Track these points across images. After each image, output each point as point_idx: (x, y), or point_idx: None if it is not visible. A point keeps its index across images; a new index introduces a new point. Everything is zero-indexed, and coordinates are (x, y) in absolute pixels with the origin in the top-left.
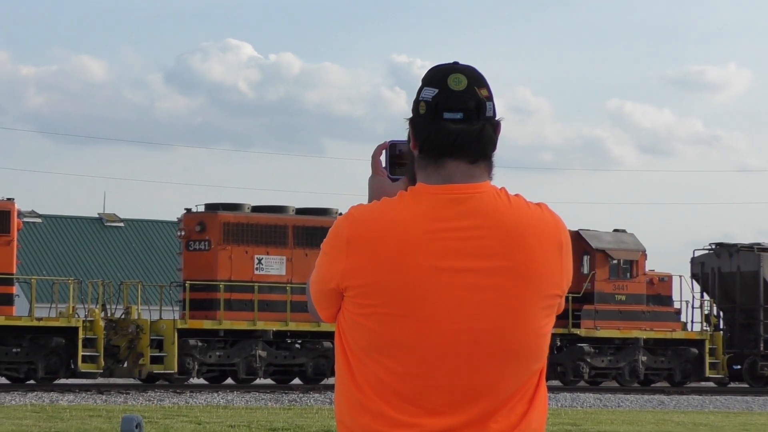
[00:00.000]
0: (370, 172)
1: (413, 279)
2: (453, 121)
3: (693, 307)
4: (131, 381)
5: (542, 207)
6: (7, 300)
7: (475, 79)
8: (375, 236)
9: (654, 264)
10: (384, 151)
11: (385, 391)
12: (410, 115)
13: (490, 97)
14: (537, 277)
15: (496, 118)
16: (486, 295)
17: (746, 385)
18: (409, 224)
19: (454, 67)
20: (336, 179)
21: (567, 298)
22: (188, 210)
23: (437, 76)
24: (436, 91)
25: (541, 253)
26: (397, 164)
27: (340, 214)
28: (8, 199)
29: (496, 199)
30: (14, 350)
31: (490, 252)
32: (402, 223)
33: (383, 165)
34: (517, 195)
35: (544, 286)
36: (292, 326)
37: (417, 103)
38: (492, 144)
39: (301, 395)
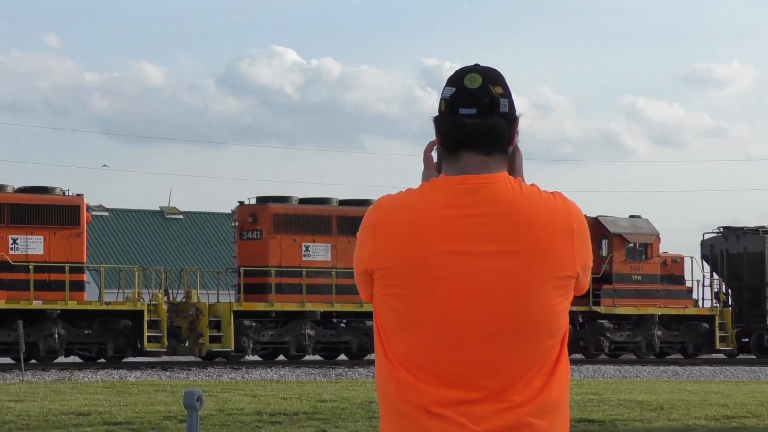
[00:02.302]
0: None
1: (428, 262)
2: (468, 116)
3: (703, 286)
4: (192, 359)
5: (556, 195)
6: (79, 286)
7: (490, 78)
8: (395, 222)
9: (667, 246)
10: (435, 148)
11: (410, 364)
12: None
13: (505, 95)
14: (544, 259)
15: (514, 114)
16: (494, 277)
17: (753, 357)
18: (425, 212)
19: (472, 68)
20: (375, 172)
21: None
22: (241, 203)
23: (456, 76)
24: (454, 89)
25: (549, 237)
26: None
27: None
28: (78, 194)
29: (508, 188)
30: (86, 332)
31: (498, 237)
32: (419, 211)
33: (434, 160)
34: (532, 185)
35: (553, 267)
36: (338, 307)
37: (439, 102)
38: (506, 137)
39: (346, 370)
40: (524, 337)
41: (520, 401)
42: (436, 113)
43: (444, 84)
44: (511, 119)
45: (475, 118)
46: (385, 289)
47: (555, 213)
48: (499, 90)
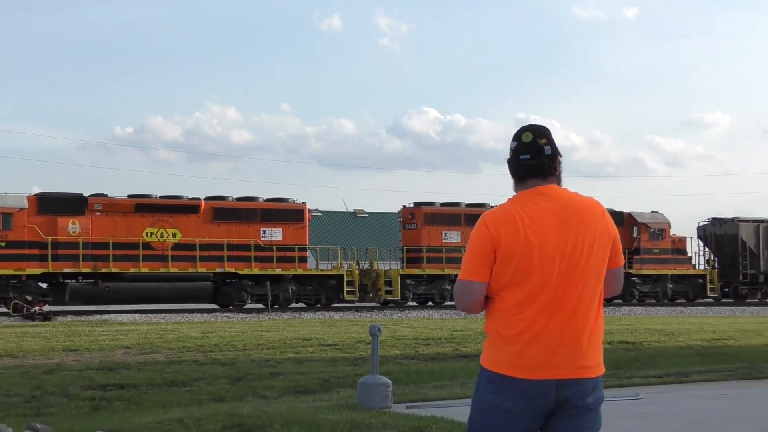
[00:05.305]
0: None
1: (522, 240)
2: (525, 160)
3: (699, 256)
4: (374, 304)
5: (591, 198)
6: (304, 260)
7: (537, 133)
8: (499, 221)
9: (675, 230)
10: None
11: (517, 306)
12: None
13: (548, 143)
14: (592, 230)
15: (555, 154)
16: (566, 245)
17: (731, 301)
18: (514, 210)
19: (527, 128)
20: (488, 186)
21: (624, 252)
22: (404, 206)
23: (517, 134)
24: (516, 143)
25: (594, 219)
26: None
27: (491, 206)
28: (302, 202)
29: (561, 191)
30: (308, 288)
31: (566, 219)
32: (510, 211)
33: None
34: (573, 191)
35: (598, 235)
36: None
37: (509, 150)
38: (551, 169)
39: None
40: (587, 279)
41: (588, 320)
42: (508, 157)
43: (512, 138)
44: (552, 157)
45: (530, 161)
46: (501, 260)
47: (592, 205)
48: (543, 141)
